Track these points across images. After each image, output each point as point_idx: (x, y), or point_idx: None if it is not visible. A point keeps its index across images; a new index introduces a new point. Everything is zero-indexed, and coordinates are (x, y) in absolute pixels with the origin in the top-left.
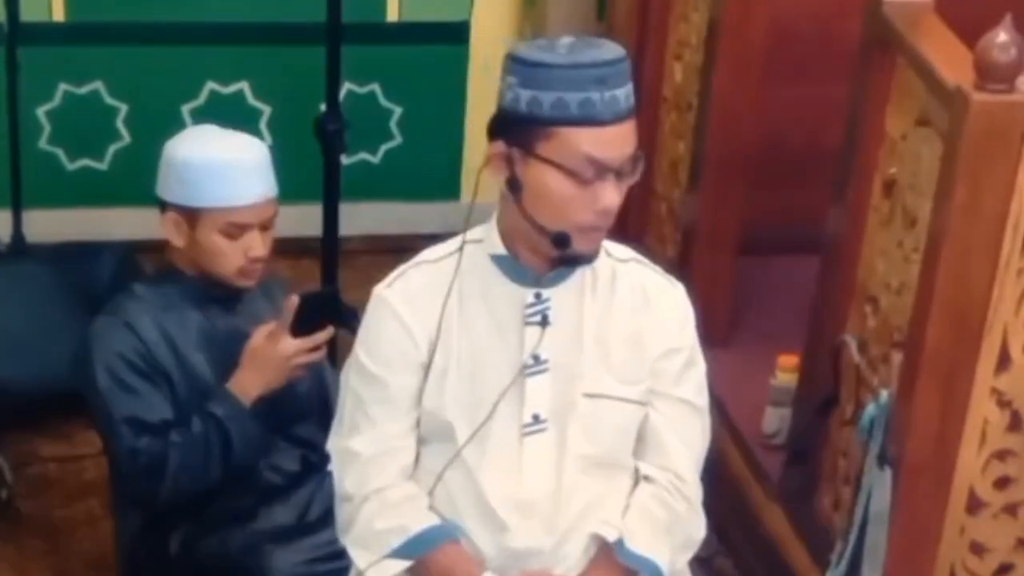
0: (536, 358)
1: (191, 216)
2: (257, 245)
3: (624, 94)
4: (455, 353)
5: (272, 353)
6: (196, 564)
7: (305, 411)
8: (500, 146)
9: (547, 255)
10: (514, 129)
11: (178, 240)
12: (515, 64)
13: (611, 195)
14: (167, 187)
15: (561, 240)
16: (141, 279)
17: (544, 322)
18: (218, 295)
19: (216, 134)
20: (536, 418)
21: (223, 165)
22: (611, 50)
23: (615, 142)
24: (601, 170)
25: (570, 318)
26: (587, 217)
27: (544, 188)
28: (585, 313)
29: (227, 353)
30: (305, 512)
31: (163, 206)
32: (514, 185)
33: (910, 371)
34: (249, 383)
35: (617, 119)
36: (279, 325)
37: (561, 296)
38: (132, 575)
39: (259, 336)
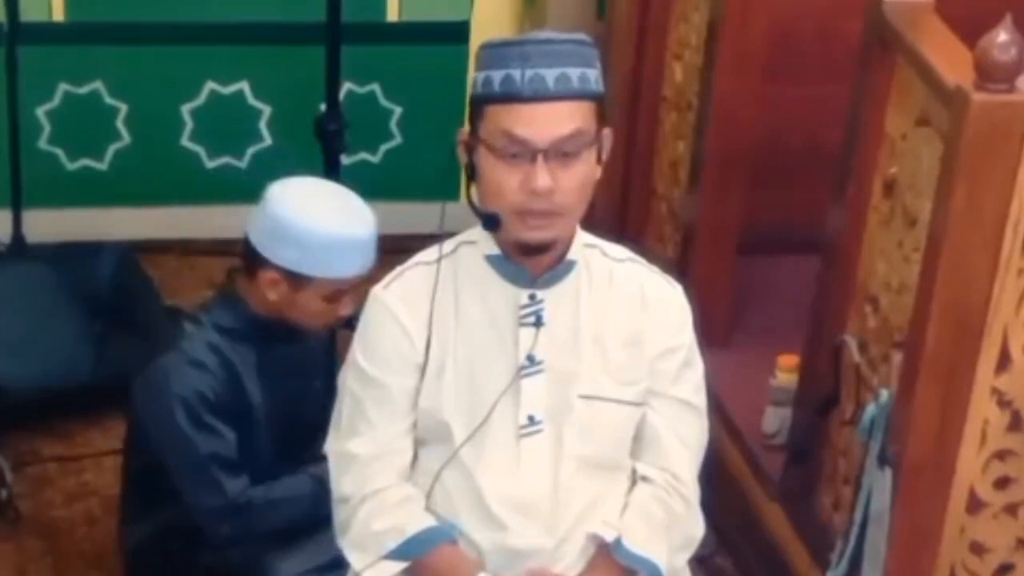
0: (531, 359)
1: (298, 280)
2: (348, 304)
3: (555, 75)
4: (452, 354)
5: None
6: (198, 572)
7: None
8: (463, 132)
9: (510, 245)
10: (469, 114)
11: (273, 296)
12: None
13: (541, 177)
14: (275, 249)
15: (489, 221)
16: (201, 308)
17: (538, 323)
18: (282, 332)
19: (332, 202)
20: (532, 419)
21: (345, 241)
22: (557, 34)
23: (539, 121)
24: (525, 149)
25: (566, 319)
26: (518, 198)
27: (482, 169)
28: (582, 314)
29: (279, 381)
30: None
31: (262, 262)
32: (469, 170)
33: (910, 371)
34: None
35: (540, 97)
36: None
37: (556, 297)
38: None
39: None
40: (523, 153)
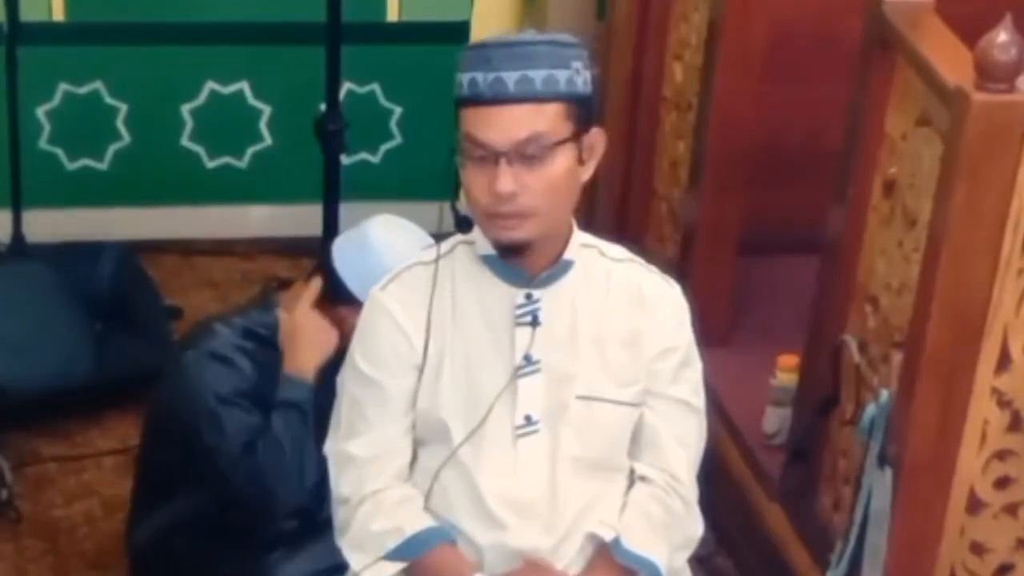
0: (528, 359)
1: None
2: None
3: (516, 78)
4: (449, 354)
5: (315, 321)
6: (201, 572)
7: None
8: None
9: (493, 246)
10: (456, 118)
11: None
12: None
13: (503, 180)
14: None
15: (460, 223)
16: (238, 312)
17: (534, 322)
18: None
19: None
20: (528, 419)
21: None
22: (530, 35)
23: (497, 123)
24: (488, 151)
25: (563, 319)
26: (484, 200)
27: (461, 172)
28: (579, 314)
29: None
30: (309, 519)
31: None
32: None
33: (910, 371)
34: (303, 361)
35: (500, 100)
36: (306, 304)
37: (553, 297)
38: None
39: (288, 319)
40: (488, 156)
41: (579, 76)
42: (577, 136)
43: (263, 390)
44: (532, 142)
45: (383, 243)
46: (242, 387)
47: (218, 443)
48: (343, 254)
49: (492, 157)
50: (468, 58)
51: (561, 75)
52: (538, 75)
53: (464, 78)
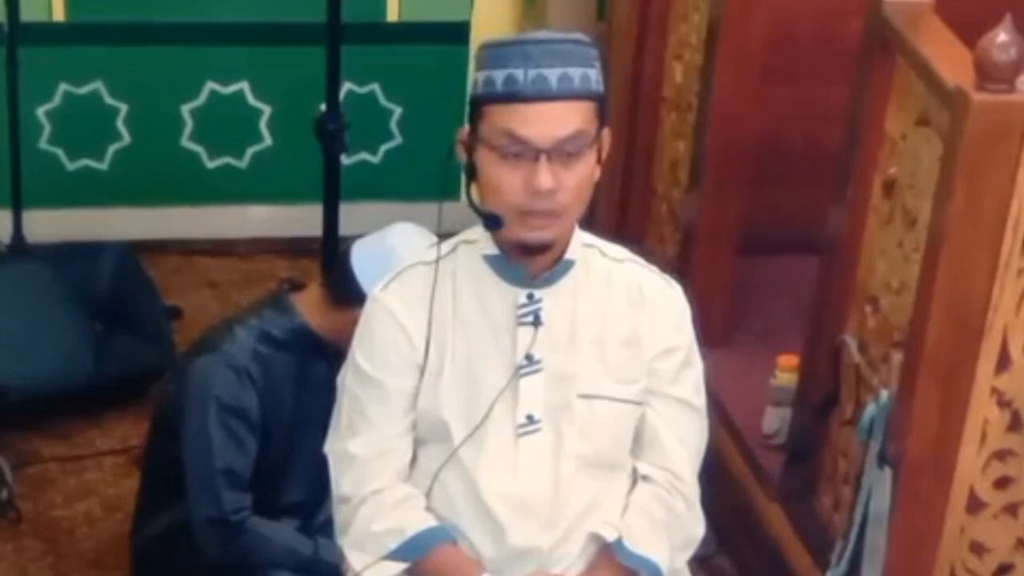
0: (529, 358)
1: None
2: None
3: (558, 75)
4: (450, 354)
5: None
6: (202, 572)
7: None
8: (463, 132)
9: (509, 245)
10: (469, 113)
11: None
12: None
13: (543, 177)
14: None
15: (491, 221)
16: (251, 313)
17: (536, 322)
18: (328, 350)
19: None
20: (530, 418)
21: None
22: (558, 34)
23: (540, 120)
24: (527, 149)
25: (564, 319)
26: (519, 198)
27: (483, 169)
28: (580, 314)
29: (312, 394)
30: (309, 519)
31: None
32: (469, 170)
33: (910, 371)
34: None
35: (542, 97)
36: None
37: (554, 297)
38: None
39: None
40: (525, 153)
41: (600, 75)
42: (599, 135)
43: (270, 401)
44: (573, 139)
45: (404, 249)
46: (251, 410)
47: (191, 464)
48: (362, 257)
49: (531, 154)
50: (499, 55)
51: (592, 74)
52: (576, 73)
53: (497, 75)
